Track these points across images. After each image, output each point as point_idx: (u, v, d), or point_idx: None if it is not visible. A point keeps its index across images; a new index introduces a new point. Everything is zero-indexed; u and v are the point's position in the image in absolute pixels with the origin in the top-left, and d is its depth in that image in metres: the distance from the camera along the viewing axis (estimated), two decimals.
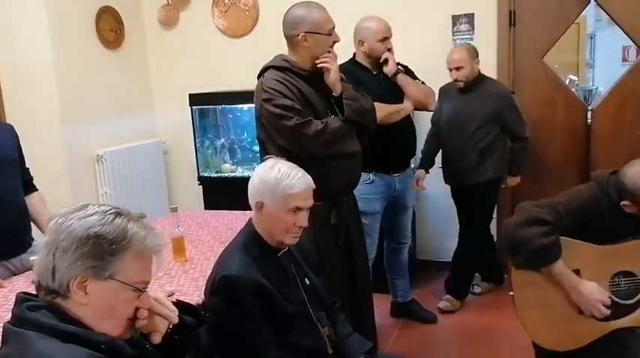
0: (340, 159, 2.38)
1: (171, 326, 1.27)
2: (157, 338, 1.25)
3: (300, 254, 1.92)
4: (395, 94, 3.03)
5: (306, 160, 2.18)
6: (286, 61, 2.39)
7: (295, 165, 1.80)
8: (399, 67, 3.06)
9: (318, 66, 2.37)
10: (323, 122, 2.32)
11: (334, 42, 2.39)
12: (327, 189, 2.32)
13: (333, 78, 2.37)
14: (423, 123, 3.63)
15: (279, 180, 1.72)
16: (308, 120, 2.29)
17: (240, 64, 4.18)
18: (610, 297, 1.98)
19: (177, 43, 4.54)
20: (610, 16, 3.72)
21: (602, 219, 2.00)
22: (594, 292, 1.96)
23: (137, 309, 1.21)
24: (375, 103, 2.80)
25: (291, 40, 2.39)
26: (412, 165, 3.35)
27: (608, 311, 1.96)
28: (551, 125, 3.84)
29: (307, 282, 1.87)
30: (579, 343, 2.00)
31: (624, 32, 3.68)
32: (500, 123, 3.37)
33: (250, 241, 1.78)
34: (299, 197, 1.73)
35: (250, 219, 1.83)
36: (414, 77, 3.13)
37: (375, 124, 2.59)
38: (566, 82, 5.41)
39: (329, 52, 2.38)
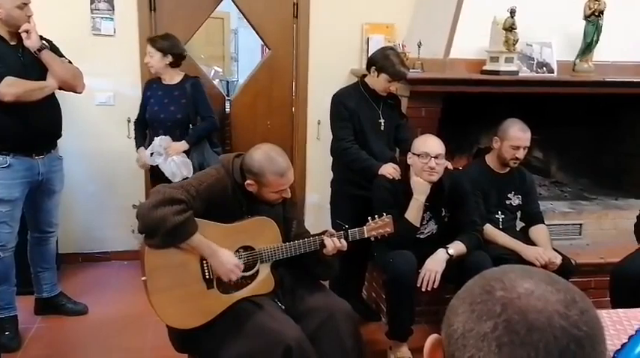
0: None
1: None
2: None
3: None
4: (38, 70, 2.76)
5: None
6: None
7: None
8: (43, 42, 2.77)
9: None
10: None
11: None
12: None
13: None
14: (73, 104, 3.33)
15: None
16: None
17: None
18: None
19: None
20: (243, 15, 4.04)
21: (227, 199, 2.16)
22: (230, 259, 2.10)
23: None
24: (14, 78, 2.65)
25: None
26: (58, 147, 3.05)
27: (240, 274, 2.13)
28: None
29: None
30: (208, 317, 2.11)
31: (254, 31, 4.06)
32: None
33: None
34: None
35: None
36: (60, 55, 2.88)
37: None
38: (212, 73, 5.74)
39: None
